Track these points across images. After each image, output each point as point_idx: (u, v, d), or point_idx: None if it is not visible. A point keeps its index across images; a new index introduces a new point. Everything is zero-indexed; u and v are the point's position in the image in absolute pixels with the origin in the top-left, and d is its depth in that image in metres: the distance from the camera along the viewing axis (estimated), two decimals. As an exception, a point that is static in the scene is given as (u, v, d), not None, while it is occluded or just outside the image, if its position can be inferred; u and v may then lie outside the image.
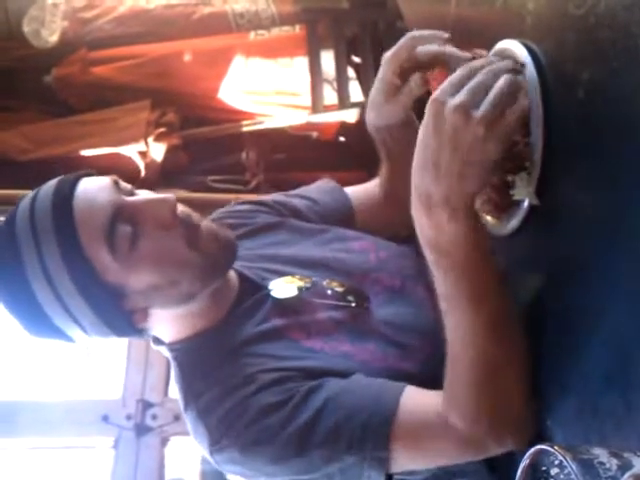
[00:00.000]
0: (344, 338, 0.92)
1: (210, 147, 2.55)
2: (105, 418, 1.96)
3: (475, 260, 0.71)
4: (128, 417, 1.97)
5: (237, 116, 2.53)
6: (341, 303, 0.95)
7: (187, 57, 2.50)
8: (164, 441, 1.97)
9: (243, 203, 1.13)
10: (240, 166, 2.53)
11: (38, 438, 2.00)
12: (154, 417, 1.97)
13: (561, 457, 0.40)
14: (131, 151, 2.41)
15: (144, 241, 0.84)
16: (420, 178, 0.69)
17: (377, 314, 0.96)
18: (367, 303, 0.97)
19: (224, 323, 0.94)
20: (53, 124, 2.55)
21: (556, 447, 0.41)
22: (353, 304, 0.95)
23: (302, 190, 1.19)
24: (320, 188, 1.19)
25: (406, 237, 0.76)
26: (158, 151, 2.43)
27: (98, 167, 2.53)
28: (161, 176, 2.47)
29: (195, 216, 0.90)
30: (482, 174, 0.68)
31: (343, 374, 0.88)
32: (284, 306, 0.95)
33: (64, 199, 0.83)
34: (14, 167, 2.43)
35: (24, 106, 2.64)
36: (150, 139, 2.41)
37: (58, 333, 0.87)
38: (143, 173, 2.43)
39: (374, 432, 0.81)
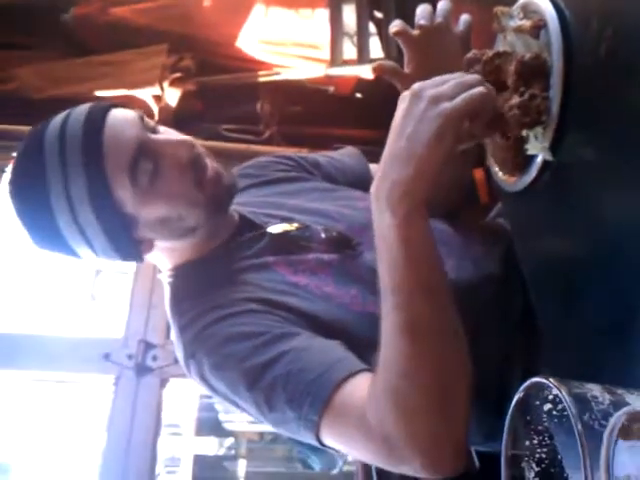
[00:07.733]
0: (329, 280, 0.95)
1: (225, 95, 2.53)
2: (107, 356, 1.99)
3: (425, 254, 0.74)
4: (129, 356, 1.99)
5: (254, 66, 2.51)
6: (332, 247, 0.99)
7: (207, 2, 2.47)
8: (163, 382, 2.00)
9: (268, 156, 1.21)
10: (254, 116, 2.52)
11: (41, 371, 2.04)
12: (155, 358, 2.00)
13: (556, 390, 0.42)
14: (145, 94, 2.40)
15: (162, 178, 0.92)
16: (390, 166, 0.72)
17: (366, 259, 0.97)
18: (359, 247, 0.99)
19: (218, 252, 1.01)
20: (69, 63, 2.53)
21: (551, 379, 0.43)
22: (346, 250, 0.99)
23: (322, 153, 1.26)
24: (341, 152, 1.26)
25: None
26: (173, 96, 2.42)
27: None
28: (174, 122, 2.46)
29: (205, 158, 0.96)
30: (450, 144, 0.70)
31: (322, 321, 0.89)
32: (278, 245, 0.99)
33: (95, 131, 0.89)
34: (29, 104, 2.42)
35: (41, 44, 2.63)
36: (165, 84, 2.39)
37: (68, 250, 0.95)
38: (156, 117, 2.43)
39: (313, 394, 0.80)
